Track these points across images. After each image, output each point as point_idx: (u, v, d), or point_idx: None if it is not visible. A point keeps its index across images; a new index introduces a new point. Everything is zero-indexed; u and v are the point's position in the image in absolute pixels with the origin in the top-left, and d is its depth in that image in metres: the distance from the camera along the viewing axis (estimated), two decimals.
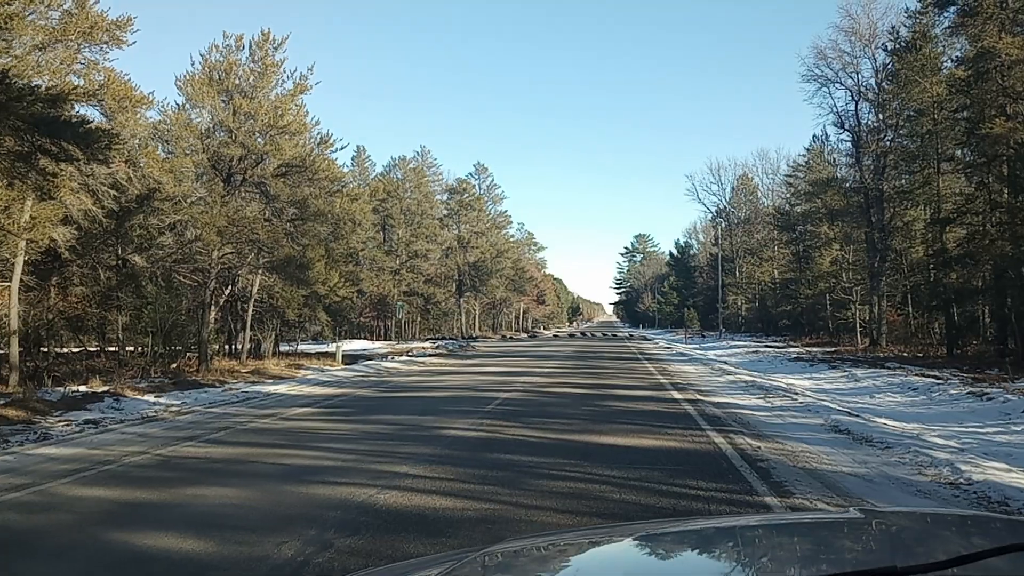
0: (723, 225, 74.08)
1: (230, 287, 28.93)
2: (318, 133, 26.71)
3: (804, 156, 50.25)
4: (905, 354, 32.65)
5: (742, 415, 11.89)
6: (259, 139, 25.44)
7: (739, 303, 74.39)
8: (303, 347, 40.17)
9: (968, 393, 16.10)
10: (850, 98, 37.95)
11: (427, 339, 59.61)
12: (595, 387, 16.83)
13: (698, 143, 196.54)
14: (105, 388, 17.55)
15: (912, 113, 30.50)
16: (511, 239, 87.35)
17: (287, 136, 25.45)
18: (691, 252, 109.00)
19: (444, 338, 59.48)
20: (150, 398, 16.38)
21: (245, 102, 25.00)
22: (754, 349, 41.57)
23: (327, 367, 26.59)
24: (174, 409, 13.54)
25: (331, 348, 43.32)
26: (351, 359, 32.94)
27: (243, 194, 27.75)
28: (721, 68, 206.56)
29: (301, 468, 7.70)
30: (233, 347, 33.11)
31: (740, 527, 2.39)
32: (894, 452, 8.60)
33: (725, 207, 76.54)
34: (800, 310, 53.26)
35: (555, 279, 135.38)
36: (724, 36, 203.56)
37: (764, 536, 2.15)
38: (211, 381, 21.03)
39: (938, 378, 19.69)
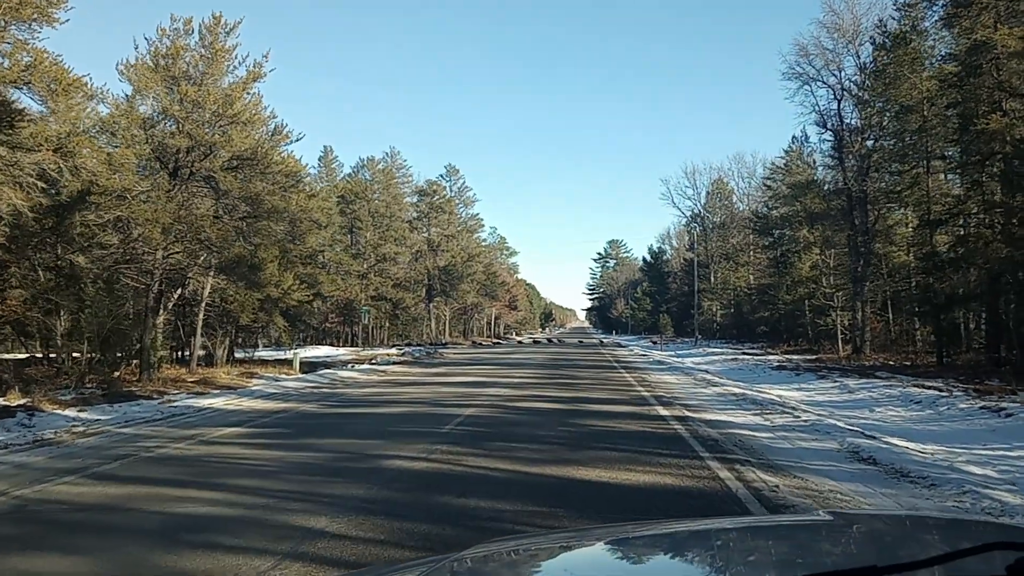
0: (698, 230, 72.81)
1: (180, 290, 26.91)
2: (273, 124, 24.75)
3: (783, 158, 49.03)
4: (891, 362, 31.31)
5: (742, 437, 10.17)
6: (208, 129, 23.45)
7: (714, 309, 73.14)
8: (262, 354, 38.11)
9: (981, 408, 14.53)
10: (832, 97, 36.67)
11: (394, 345, 57.61)
12: (570, 401, 15.07)
13: (673, 148, 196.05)
14: (22, 401, 15.58)
15: (900, 110, 29.11)
16: (483, 243, 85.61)
17: (238, 126, 23.49)
18: (664, 258, 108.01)
19: (412, 344, 57.52)
20: (71, 413, 14.44)
21: (192, 89, 23.01)
22: (732, 356, 40.15)
23: (282, 376, 24.70)
24: (79, 429, 11.57)
25: (290, 355, 41.33)
26: (310, 367, 31.11)
27: (191, 189, 25.75)
28: (697, 73, 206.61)
29: (187, 521, 5.84)
30: (184, 354, 31.09)
31: (715, 530, 2.38)
32: (943, 491, 6.91)
33: (700, 212, 75.33)
34: (778, 316, 51.96)
35: (527, 284, 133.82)
36: (700, 40, 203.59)
37: (739, 538, 2.15)
38: (149, 392, 19.12)
39: (940, 390, 18.19)
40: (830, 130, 37.24)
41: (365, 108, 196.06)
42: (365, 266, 66.52)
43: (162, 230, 21.95)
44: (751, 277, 64.32)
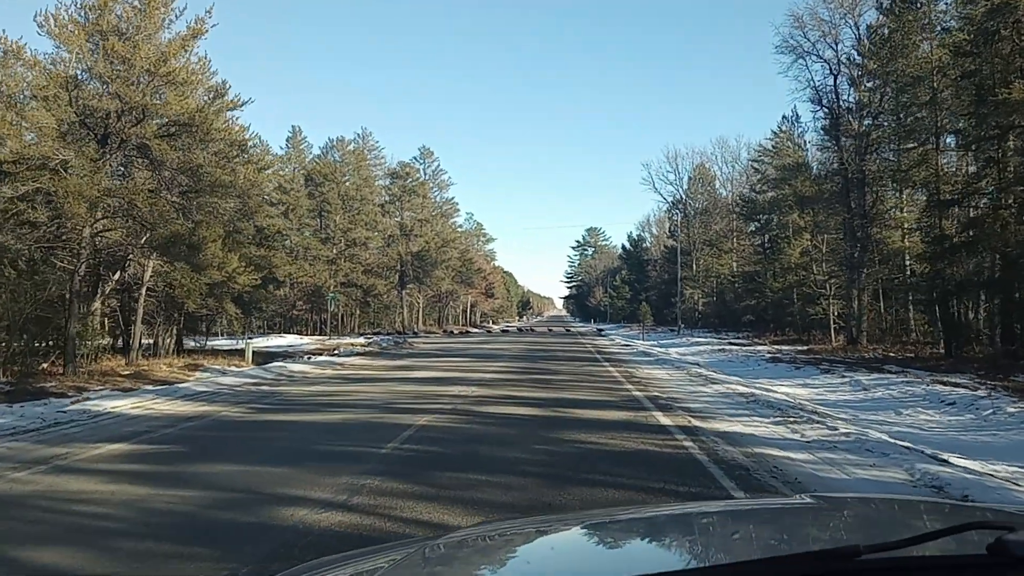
0: (680, 216, 70.50)
1: (120, 273, 24.18)
2: (214, 84, 21.96)
3: (771, 140, 46.68)
4: (891, 354, 29.15)
5: (777, 462, 7.71)
6: (139, 90, 20.66)
7: (696, 298, 70.97)
8: (219, 343, 35.37)
9: None
10: (828, 72, 34.28)
11: (363, 334, 54.93)
12: (549, 404, 12.56)
13: (654, 136, 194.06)
14: None
15: (907, 82, 26.79)
16: (458, 229, 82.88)
17: (174, 87, 20.75)
18: (644, 245, 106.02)
19: (382, 333, 54.85)
20: None
21: (121, 44, 20.23)
22: (719, 347, 37.92)
23: (230, 368, 22.12)
24: None
25: (258, 343, 38.57)
26: (266, 358, 28.58)
27: (125, 160, 22.99)
28: (681, 56, 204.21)
29: None
30: (128, 343, 28.46)
31: (696, 513, 2.37)
32: None
33: (682, 197, 73.03)
34: (764, 305, 49.79)
35: (505, 272, 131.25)
36: (683, 22, 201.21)
37: (720, 522, 2.12)
38: (66, 389, 16.55)
39: (970, 388, 15.95)
40: (825, 107, 34.89)
41: (337, 89, 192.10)
42: (334, 251, 63.69)
43: (89, 205, 19.23)
44: (734, 264, 62.19)
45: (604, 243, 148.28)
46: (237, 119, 22.38)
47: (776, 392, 16.32)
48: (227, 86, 22.09)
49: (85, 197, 18.97)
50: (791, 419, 10.87)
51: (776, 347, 36.79)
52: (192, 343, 32.68)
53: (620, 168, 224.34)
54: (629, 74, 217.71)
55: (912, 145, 27.43)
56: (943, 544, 1.39)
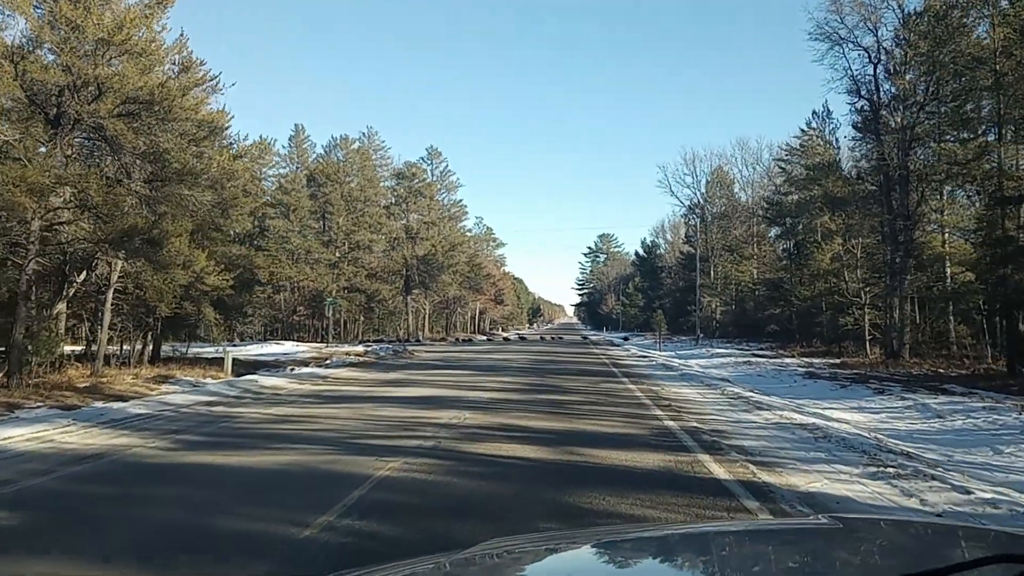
0: (697, 220, 67.45)
1: (86, 273, 21.54)
2: (181, 59, 19.24)
3: (799, 138, 43.68)
4: (940, 370, 26.19)
5: None
6: (92, 62, 17.97)
7: (713, 306, 67.97)
8: (205, 350, 32.68)
9: None
10: (867, 60, 31.37)
11: (363, 342, 52.15)
12: (562, 441, 9.67)
13: (669, 139, 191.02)
14: None
15: (965, 65, 23.81)
16: (467, 233, 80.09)
17: (132, 58, 18.06)
18: (658, 252, 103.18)
19: (384, 341, 52.04)
20: None
21: (71, 7, 17.55)
22: (744, 359, 35.06)
23: (205, 380, 19.53)
24: None
25: (241, 351, 35.85)
26: (250, 367, 26.02)
27: (81, 142, 20.32)
28: (697, 54, 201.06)
29: None
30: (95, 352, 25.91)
31: (713, 533, 2.33)
32: None
33: (700, 201, 70.05)
34: (790, 314, 46.76)
35: (515, 278, 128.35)
36: (700, 21, 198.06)
37: (736, 543, 2.07)
38: None
39: None
40: (864, 98, 31.97)
41: (342, 89, 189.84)
42: (337, 254, 61.06)
43: (36, 194, 16.56)
44: (755, 271, 59.18)
45: (616, 250, 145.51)
46: (207, 99, 19.59)
47: (832, 419, 13.45)
48: (195, 59, 19.33)
49: (31, 185, 16.28)
50: (889, 469, 7.97)
51: (806, 360, 33.90)
52: (173, 350, 30.05)
53: (633, 173, 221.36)
54: (644, 74, 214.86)
55: (969, 136, 24.43)
56: (979, 573, 1.30)
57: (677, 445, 9.35)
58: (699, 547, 2.00)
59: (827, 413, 14.85)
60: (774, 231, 55.84)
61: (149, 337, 27.09)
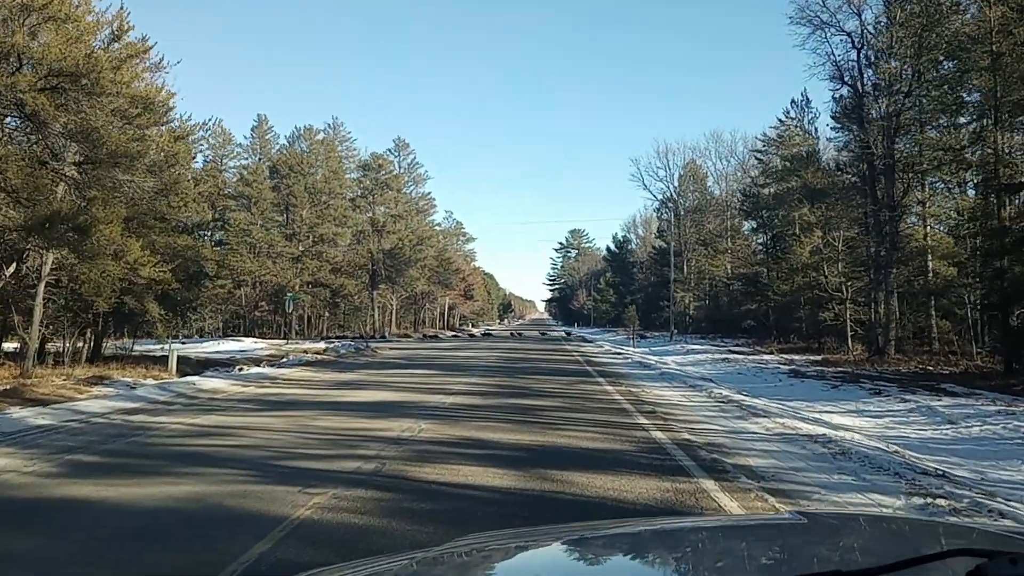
0: (672, 214, 66.15)
1: (15, 265, 19.61)
2: (111, 30, 17.28)
3: (776, 128, 42.39)
4: (929, 367, 25.01)
5: None
6: (11, 29, 16.04)
7: (687, 301, 66.77)
8: (152, 348, 30.65)
9: None
10: (851, 45, 30.06)
11: (325, 338, 50.22)
12: (533, 461, 8.00)
13: (640, 133, 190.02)
14: None
15: (957, 46, 22.50)
16: (436, 226, 78.20)
17: (56, 25, 16.15)
18: (630, 247, 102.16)
19: (346, 338, 50.13)
20: None
21: None
22: (721, 356, 33.75)
23: (145, 380, 17.78)
24: None
25: (196, 349, 33.86)
26: (199, 366, 24.25)
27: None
28: (669, 51, 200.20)
29: None
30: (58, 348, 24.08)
31: (678, 529, 2.32)
32: None
33: (673, 194, 68.77)
34: (766, 309, 45.55)
35: (485, 274, 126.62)
36: (672, 11, 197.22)
37: (704, 538, 2.06)
38: None
39: None
40: (847, 84, 30.67)
41: (307, 84, 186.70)
42: (300, 248, 58.96)
43: None
44: (729, 266, 58.02)
45: (588, 245, 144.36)
46: (142, 74, 17.68)
47: (833, 425, 11.98)
48: (128, 27, 17.38)
49: None
50: (940, 501, 6.40)
51: (785, 357, 32.69)
52: (118, 349, 28.03)
53: (604, 169, 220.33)
54: (614, 68, 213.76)
55: (964, 121, 23.12)
56: (924, 571, 1.35)
57: (672, 466, 7.73)
58: (670, 543, 1.98)
59: (826, 418, 13.38)
60: (749, 225, 54.64)
61: (89, 334, 25.17)
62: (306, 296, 57.88)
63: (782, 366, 27.88)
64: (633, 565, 1.86)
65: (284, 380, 18.92)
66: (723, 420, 11.62)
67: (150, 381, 18.40)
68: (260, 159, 63.78)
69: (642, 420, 11.31)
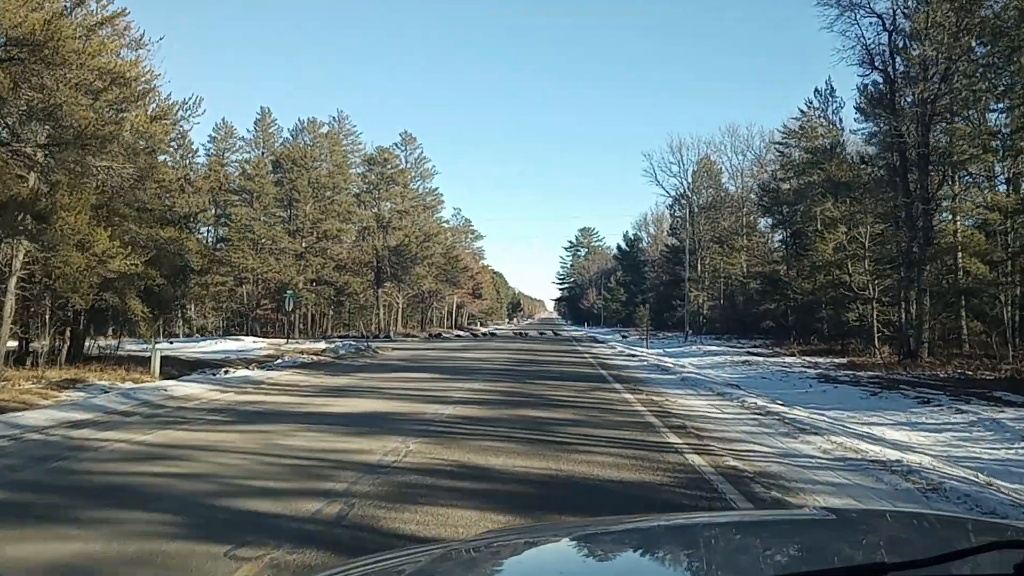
0: (686, 211, 64.22)
1: None
2: None
3: (797, 119, 40.49)
4: (969, 372, 23.24)
5: None
6: None
7: (700, 301, 64.84)
8: (141, 347, 29.07)
9: None
10: (882, 27, 28.17)
11: (329, 338, 48.62)
12: (544, 503, 6.27)
13: (653, 128, 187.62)
14: None
15: (1011, 22, 20.65)
16: (444, 223, 76.48)
17: None
18: (641, 246, 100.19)
19: (350, 337, 48.50)
20: None
21: None
22: (741, 358, 32.00)
23: (123, 384, 16.28)
24: None
25: (191, 349, 32.30)
26: (189, 367, 22.72)
27: None
28: (682, 44, 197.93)
29: None
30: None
31: (701, 525, 2.21)
32: None
33: (687, 191, 66.86)
34: (786, 309, 43.67)
35: (495, 273, 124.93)
36: (685, 10, 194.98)
37: (729, 535, 1.98)
38: None
39: None
40: (878, 69, 28.77)
41: (312, 81, 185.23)
42: (303, 244, 57.39)
43: None
44: (745, 264, 56.14)
45: (598, 244, 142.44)
46: (111, 45, 15.99)
47: (888, 442, 10.25)
48: None
49: None
50: None
51: (808, 359, 30.90)
52: (102, 349, 26.43)
53: (615, 167, 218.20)
54: (627, 63, 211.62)
55: (1015, 102, 21.26)
56: (969, 563, 1.31)
57: (725, 509, 5.98)
58: (686, 540, 1.89)
59: (876, 432, 11.65)
60: (765, 221, 52.85)
61: (68, 333, 23.57)
62: (309, 294, 56.33)
63: (808, 369, 26.16)
64: (647, 562, 1.75)
65: (269, 385, 17.23)
66: (767, 438, 9.86)
67: (127, 385, 16.82)
68: (263, 153, 62.25)
69: (673, 439, 9.55)
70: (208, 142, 62.65)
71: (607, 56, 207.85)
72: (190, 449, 8.56)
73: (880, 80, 29.11)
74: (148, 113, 17.35)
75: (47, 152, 16.27)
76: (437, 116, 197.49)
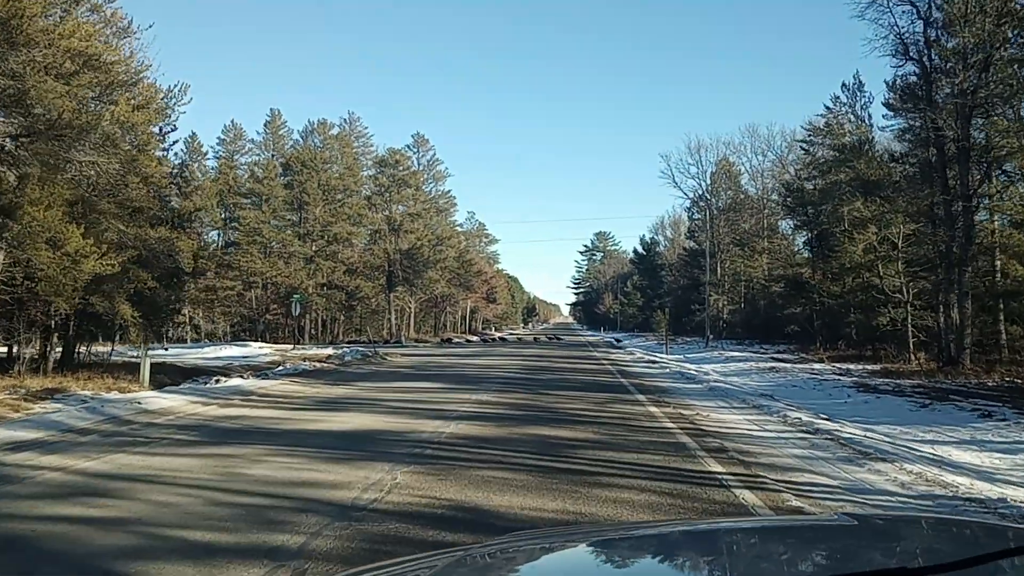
0: (705, 213, 62.45)
1: None
2: None
3: (823, 116, 38.78)
4: (1019, 380, 21.53)
5: None
6: None
7: (720, 305, 63.01)
8: (156, 353, 27.75)
9: None
10: (915, 15, 26.51)
11: (336, 343, 47.21)
12: None
13: (668, 132, 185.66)
14: None
15: None
16: (457, 227, 75.07)
17: None
18: (657, 250, 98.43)
19: (360, 343, 47.11)
20: None
21: None
22: (767, 365, 30.34)
23: (108, 394, 14.91)
24: None
25: (193, 355, 31.01)
26: (186, 374, 21.47)
27: None
28: (700, 47, 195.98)
29: None
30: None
31: (720, 530, 2.16)
32: None
33: (705, 193, 65.17)
34: (812, 313, 41.87)
35: (509, 277, 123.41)
36: (702, 15, 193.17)
37: (747, 540, 1.94)
38: None
39: None
40: (912, 59, 27.09)
41: (324, 77, 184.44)
42: (313, 248, 56.08)
43: None
44: (766, 267, 54.36)
45: (614, 248, 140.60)
46: (87, 26, 14.61)
47: (961, 467, 8.66)
48: None
49: None
50: None
51: (837, 365, 29.19)
52: (95, 355, 25.10)
53: (631, 170, 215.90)
54: (643, 66, 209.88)
55: None
56: (993, 568, 1.29)
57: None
58: (705, 545, 1.88)
59: (941, 453, 10.03)
60: (787, 223, 51.06)
61: (56, 339, 22.25)
62: (320, 299, 55.03)
63: (840, 377, 24.54)
64: (665, 569, 1.71)
65: (259, 396, 15.76)
66: (826, 465, 8.27)
67: (112, 395, 15.44)
68: (273, 155, 61.04)
69: (715, 467, 7.98)
70: (217, 144, 61.52)
71: (622, 60, 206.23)
72: (132, 481, 7.08)
73: (915, 71, 27.42)
74: (129, 101, 15.92)
75: (17, 143, 14.89)
76: (450, 120, 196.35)
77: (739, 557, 1.76)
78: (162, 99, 17.15)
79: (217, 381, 18.76)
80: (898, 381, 22.20)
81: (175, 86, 17.39)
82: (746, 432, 10.85)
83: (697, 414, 12.94)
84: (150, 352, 28.56)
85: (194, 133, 57.83)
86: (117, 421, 11.51)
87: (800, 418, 12.41)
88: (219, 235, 58.49)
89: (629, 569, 1.71)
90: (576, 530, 2.96)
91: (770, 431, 11.06)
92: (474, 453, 8.59)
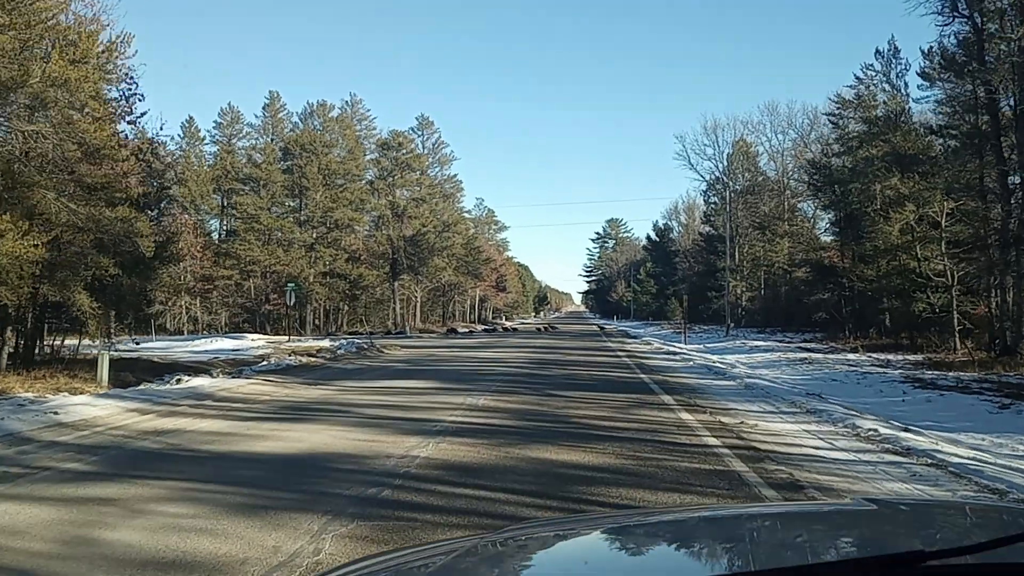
0: (726, 194, 59.63)
1: None
2: None
3: (853, 87, 35.98)
4: None
5: None
6: None
7: (739, 291, 60.34)
8: (148, 346, 25.49)
9: None
10: None
11: (333, 335, 44.84)
12: None
13: (682, 113, 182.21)
14: None
15: None
16: (464, 213, 72.55)
17: None
18: (671, 236, 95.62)
19: (361, 334, 44.73)
20: None
21: None
22: (797, 355, 27.81)
23: (53, 397, 12.69)
24: None
25: (182, 347, 28.75)
26: (157, 372, 19.23)
27: None
28: (717, 26, 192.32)
29: None
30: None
31: (738, 516, 2.15)
32: None
33: (722, 174, 62.43)
34: (841, 299, 39.21)
35: (520, 265, 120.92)
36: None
37: (766, 525, 1.93)
38: None
39: None
40: (959, 16, 24.41)
41: (325, 58, 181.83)
42: (314, 235, 53.75)
43: None
44: (788, 251, 51.66)
45: (626, 235, 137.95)
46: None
47: None
48: None
49: None
50: None
51: (874, 356, 26.65)
52: (59, 351, 22.77)
53: (644, 156, 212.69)
54: (656, 47, 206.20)
55: None
56: (1014, 550, 1.28)
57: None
58: (722, 531, 1.85)
59: None
60: (809, 204, 48.40)
61: (9, 333, 19.92)
62: (321, 288, 52.72)
63: (883, 369, 22.06)
64: (681, 555, 1.70)
65: (215, 401, 13.33)
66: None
67: (59, 398, 13.19)
68: (272, 139, 58.67)
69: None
70: (214, 128, 59.16)
71: (636, 43, 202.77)
72: None
73: (963, 30, 24.70)
74: (63, 55, 13.49)
75: None
76: (458, 105, 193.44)
77: (759, 544, 1.71)
78: (101, 52, 14.67)
79: (178, 381, 16.37)
80: (951, 374, 19.76)
81: (121, 34, 14.87)
82: (813, 453, 8.33)
83: (742, 424, 10.42)
84: (123, 347, 26.29)
85: (191, 117, 55.66)
86: (9, 440, 9.09)
87: (876, 430, 9.85)
88: (217, 222, 56.24)
89: (646, 556, 1.70)
90: (591, 517, 2.91)
91: (843, 449, 8.54)
92: (448, 497, 6.09)
